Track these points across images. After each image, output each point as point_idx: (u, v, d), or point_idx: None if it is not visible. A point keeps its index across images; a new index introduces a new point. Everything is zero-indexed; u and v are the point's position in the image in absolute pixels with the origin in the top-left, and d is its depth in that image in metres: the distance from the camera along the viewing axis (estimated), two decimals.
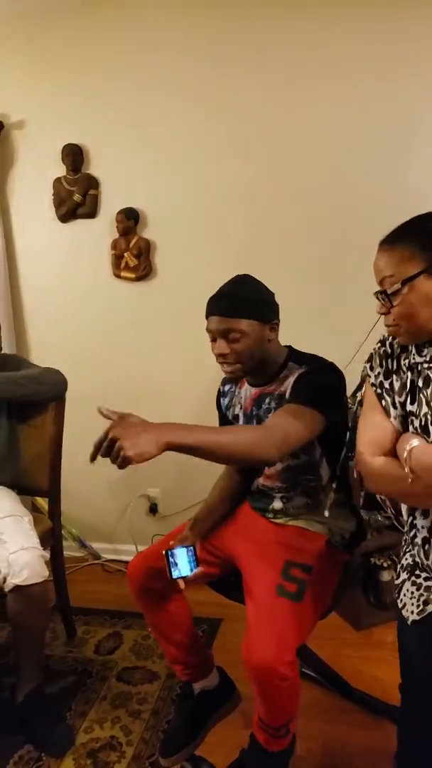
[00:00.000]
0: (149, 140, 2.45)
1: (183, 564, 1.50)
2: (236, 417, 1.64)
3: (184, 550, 1.51)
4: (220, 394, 1.72)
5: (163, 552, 1.48)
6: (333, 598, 1.50)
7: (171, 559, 1.48)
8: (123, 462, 1.03)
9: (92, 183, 2.52)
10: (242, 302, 1.45)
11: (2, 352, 2.18)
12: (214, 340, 1.48)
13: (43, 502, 2.32)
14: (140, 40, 2.38)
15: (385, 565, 1.55)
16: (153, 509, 2.72)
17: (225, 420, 1.71)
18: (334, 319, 2.30)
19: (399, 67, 2.16)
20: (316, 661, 1.83)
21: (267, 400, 1.52)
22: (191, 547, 1.52)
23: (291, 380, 1.46)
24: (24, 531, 1.74)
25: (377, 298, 1.07)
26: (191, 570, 1.50)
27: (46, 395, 1.97)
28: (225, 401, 1.70)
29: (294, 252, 2.36)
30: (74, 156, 2.49)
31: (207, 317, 1.49)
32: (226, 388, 1.70)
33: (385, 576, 1.56)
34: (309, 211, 2.33)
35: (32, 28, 2.48)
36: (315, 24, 2.19)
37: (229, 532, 1.62)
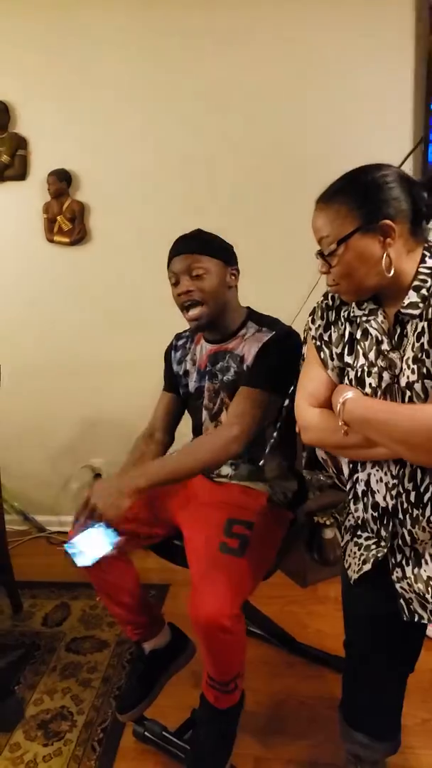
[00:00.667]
0: (81, 96, 2.32)
1: (93, 545, 1.29)
2: (187, 373, 1.62)
3: (87, 532, 1.30)
4: (172, 348, 1.68)
5: (64, 547, 1.33)
6: (278, 556, 1.53)
7: (70, 551, 1.29)
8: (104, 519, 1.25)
9: (20, 143, 2.39)
10: (206, 242, 1.48)
11: None
12: (176, 284, 1.47)
13: None
14: None
15: (327, 523, 1.59)
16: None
17: (171, 374, 1.67)
18: (279, 277, 2.26)
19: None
20: (262, 619, 1.87)
21: (226, 358, 1.51)
22: (95, 525, 1.30)
23: (253, 347, 1.47)
24: None
25: (317, 258, 1.06)
26: (111, 544, 1.31)
27: None
28: (177, 355, 1.66)
29: (238, 211, 2.31)
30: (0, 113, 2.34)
31: (170, 261, 1.48)
32: (180, 342, 1.67)
33: (328, 533, 1.61)
34: (253, 168, 2.29)
35: None
36: None
37: (170, 495, 1.60)
